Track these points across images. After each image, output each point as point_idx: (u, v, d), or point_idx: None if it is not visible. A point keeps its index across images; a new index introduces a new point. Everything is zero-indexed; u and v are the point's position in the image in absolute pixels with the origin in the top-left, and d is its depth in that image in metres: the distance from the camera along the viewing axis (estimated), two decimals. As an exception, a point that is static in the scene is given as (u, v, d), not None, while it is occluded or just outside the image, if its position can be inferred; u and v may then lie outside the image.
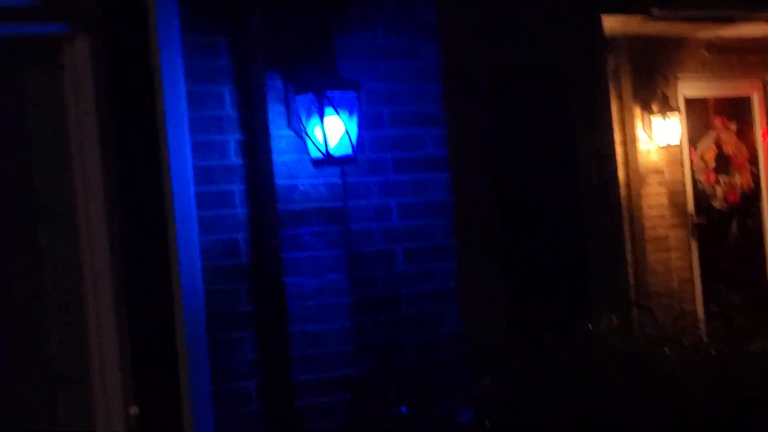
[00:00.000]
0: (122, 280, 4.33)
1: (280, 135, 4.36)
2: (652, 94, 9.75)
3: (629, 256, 9.51)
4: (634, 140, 9.63)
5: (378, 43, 4.77)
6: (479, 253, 7.79)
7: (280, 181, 4.32)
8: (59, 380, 4.42)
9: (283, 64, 4.42)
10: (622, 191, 9.57)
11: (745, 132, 10.50)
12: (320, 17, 4.56)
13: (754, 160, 10.50)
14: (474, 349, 5.97)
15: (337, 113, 4.25)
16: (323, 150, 4.23)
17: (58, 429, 4.43)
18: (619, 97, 9.63)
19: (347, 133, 4.28)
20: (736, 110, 10.52)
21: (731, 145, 10.35)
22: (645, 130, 9.67)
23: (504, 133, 8.28)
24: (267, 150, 4.36)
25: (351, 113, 4.31)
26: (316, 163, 4.29)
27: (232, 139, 4.39)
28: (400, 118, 4.79)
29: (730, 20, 9.79)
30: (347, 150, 4.27)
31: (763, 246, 10.54)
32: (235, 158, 4.39)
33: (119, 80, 4.35)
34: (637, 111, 9.67)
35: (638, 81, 9.72)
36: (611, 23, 9.05)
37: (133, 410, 4.28)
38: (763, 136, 10.54)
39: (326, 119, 4.24)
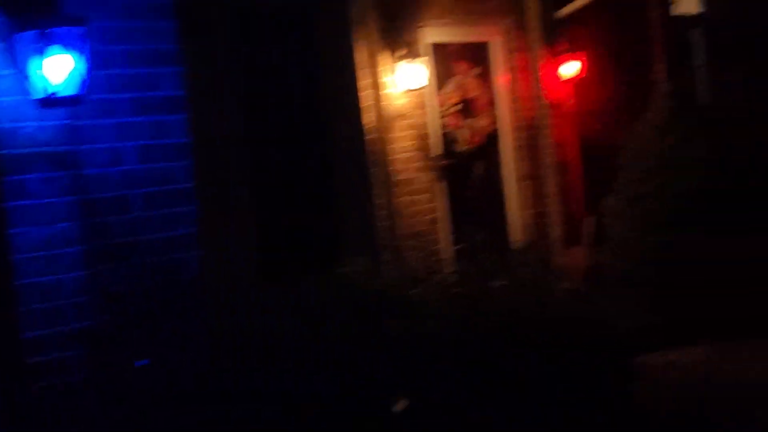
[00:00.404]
0: None
1: (1, 75, 4.00)
2: (399, 39, 9.64)
3: (380, 200, 9.46)
4: (381, 85, 9.52)
5: None
6: (228, 197, 7.57)
7: (1, 124, 3.96)
8: None
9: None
10: (371, 135, 9.48)
11: (486, 76, 10.61)
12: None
13: (495, 104, 10.64)
14: (219, 295, 5.79)
15: (65, 51, 3.93)
16: (48, 90, 3.91)
17: None
18: (367, 42, 9.47)
19: (75, 71, 3.96)
20: (478, 55, 10.60)
21: (474, 89, 10.45)
22: (392, 75, 9.58)
23: (250, 75, 8.02)
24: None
25: (79, 51, 4.01)
26: (42, 103, 3.98)
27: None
28: (136, 56, 4.55)
29: None
30: (75, 90, 3.97)
31: (504, 185, 10.75)
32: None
33: None
34: (384, 56, 9.53)
35: (385, 26, 9.56)
36: None
37: None
38: (503, 79, 10.66)
39: (51, 58, 3.91)
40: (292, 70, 8.28)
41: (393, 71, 9.60)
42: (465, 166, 10.46)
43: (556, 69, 10.79)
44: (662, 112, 10.14)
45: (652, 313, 9.63)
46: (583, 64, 10.87)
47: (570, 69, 10.78)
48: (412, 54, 9.58)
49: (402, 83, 9.61)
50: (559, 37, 10.89)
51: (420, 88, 9.72)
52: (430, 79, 9.91)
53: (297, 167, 8.29)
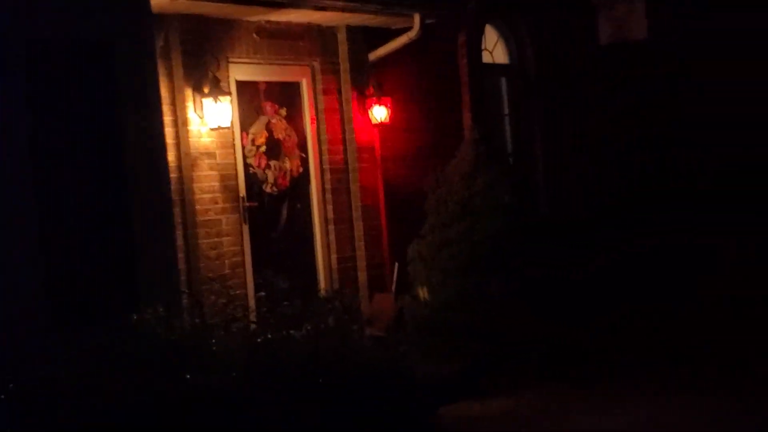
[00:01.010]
0: None
1: None
2: (204, 76, 9.34)
3: (181, 242, 9.06)
4: (185, 122, 9.20)
5: None
6: (14, 241, 7.03)
7: None
8: None
9: None
10: (174, 174, 9.08)
11: (295, 117, 10.38)
12: None
13: (303, 146, 10.37)
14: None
15: None
16: None
17: None
18: (171, 77, 9.13)
19: None
20: (287, 95, 10.39)
21: (282, 130, 10.23)
22: (196, 112, 9.30)
23: (46, 114, 7.49)
24: None
25: None
26: None
27: None
28: None
29: (279, 5, 9.49)
30: None
31: (311, 228, 10.50)
32: None
33: None
34: (189, 92, 9.25)
35: (190, 61, 9.29)
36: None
37: None
38: (311, 121, 10.43)
39: None
40: (90, 107, 7.76)
41: (197, 108, 9.32)
42: (272, 209, 10.20)
43: (366, 112, 10.63)
44: (469, 158, 10.15)
45: (455, 360, 9.55)
46: (391, 109, 10.75)
47: (379, 113, 10.66)
48: (218, 91, 9.23)
49: (206, 121, 9.32)
50: (370, 80, 10.76)
51: (224, 127, 9.36)
52: (235, 118, 9.63)
53: (93, 208, 7.79)
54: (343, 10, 9.93)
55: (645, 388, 9.11)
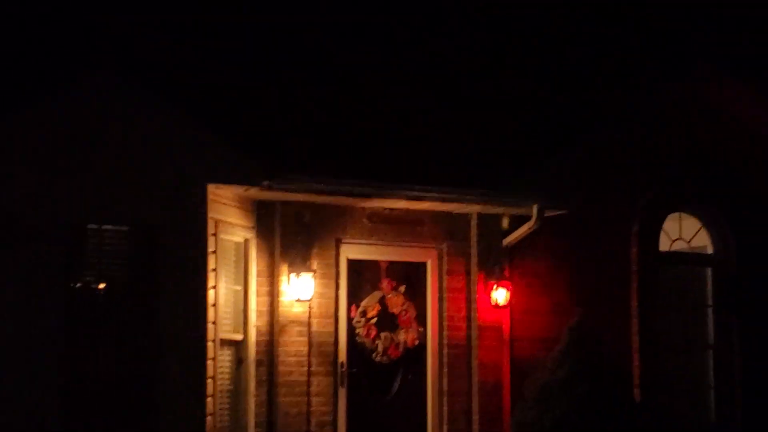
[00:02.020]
0: None
1: None
2: (303, 255, 10.24)
3: (263, 398, 10.04)
4: (278, 294, 10.16)
5: None
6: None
7: None
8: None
9: None
10: (263, 338, 10.11)
11: (416, 294, 10.93)
12: None
13: (422, 321, 10.82)
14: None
15: None
16: None
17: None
18: (270, 254, 10.28)
19: None
20: (408, 273, 10.99)
21: (398, 305, 10.81)
22: (290, 286, 10.17)
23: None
24: None
25: None
26: None
27: None
28: None
29: (370, 195, 10.24)
30: None
31: (425, 401, 10.83)
32: None
33: None
34: (284, 267, 10.22)
35: (288, 241, 10.29)
36: (227, 191, 9.69)
37: None
38: (433, 299, 10.87)
39: None
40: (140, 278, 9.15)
41: (291, 282, 10.16)
42: (379, 377, 10.74)
43: (491, 294, 10.84)
44: (562, 348, 10.08)
45: None
46: (516, 292, 10.90)
47: (504, 295, 10.81)
48: (318, 267, 10.13)
49: (299, 294, 10.13)
50: (502, 264, 10.97)
51: (318, 300, 10.24)
52: (342, 291, 10.46)
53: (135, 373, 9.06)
54: (440, 200, 10.47)
55: None
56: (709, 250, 12.29)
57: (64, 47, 9.86)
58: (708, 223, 12.24)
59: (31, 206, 8.83)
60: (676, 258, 12.13)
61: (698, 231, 12.29)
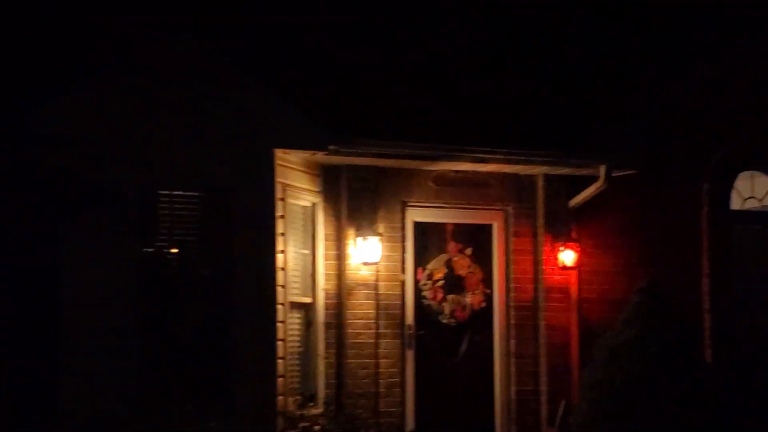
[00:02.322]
0: None
1: None
2: (369, 218, 10.26)
3: (333, 360, 10.09)
4: (345, 257, 10.20)
5: None
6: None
7: None
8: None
9: None
10: (331, 301, 10.17)
11: (482, 256, 10.88)
12: None
13: (488, 283, 10.77)
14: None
15: None
16: None
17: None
18: (337, 218, 10.32)
19: None
20: (474, 236, 10.95)
21: (464, 267, 10.78)
22: (357, 249, 10.20)
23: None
24: None
25: None
26: None
27: None
28: None
29: (435, 158, 10.23)
30: None
31: (492, 362, 10.82)
32: None
33: None
34: (351, 231, 10.25)
35: (356, 205, 10.32)
36: (294, 156, 9.74)
37: None
38: (499, 261, 10.80)
39: None
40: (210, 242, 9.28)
41: (357, 246, 10.19)
42: (446, 339, 10.74)
43: (558, 255, 10.78)
44: (633, 308, 9.94)
45: None
46: (583, 253, 10.82)
47: (572, 256, 10.75)
48: (384, 230, 10.17)
49: (363, 260, 10.16)
50: (570, 225, 10.91)
51: (385, 263, 10.28)
52: (409, 254, 10.47)
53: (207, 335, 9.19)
54: (506, 161, 10.42)
55: None
56: None
57: (142, 9, 9.80)
58: None
59: (104, 171, 8.85)
60: (748, 217, 11.95)
61: None
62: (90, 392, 8.59)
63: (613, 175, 10.54)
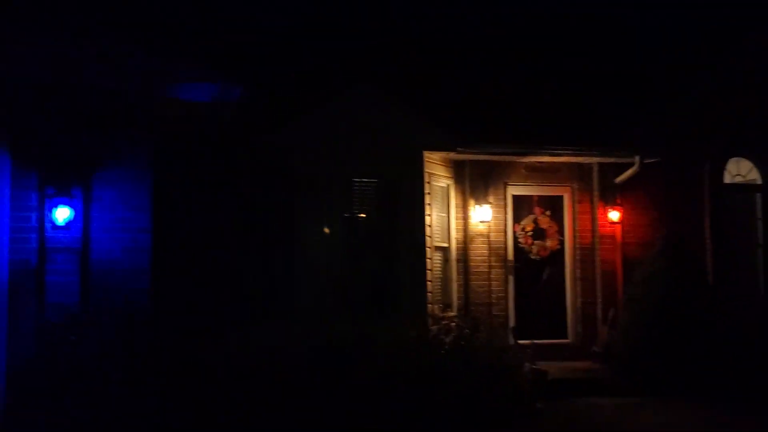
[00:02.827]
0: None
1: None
2: (481, 191, 10.38)
3: (460, 282, 10.22)
4: (468, 218, 10.33)
5: (122, 179, 6.28)
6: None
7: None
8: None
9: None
10: (460, 245, 10.30)
11: (556, 215, 10.83)
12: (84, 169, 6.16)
13: (561, 233, 10.77)
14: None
15: (65, 204, 5.89)
16: (54, 222, 5.89)
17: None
18: (463, 194, 10.37)
19: (73, 216, 5.92)
20: (551, 203, 10.85)
21: (546, 222, 10.75)
22: (475, 212, 10.32)
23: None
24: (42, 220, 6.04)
25: (75, 207, 5.93)
26: (53, 227, 5.94)
27: (33, 216, 6.07)
28: (128, 209, 6.28)
29: (526, 154, 10.24)
30: (67, 222, 5.89)
31: (564, 284, 10.80)
32: (34, 223, 6.07)
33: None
34: (472, 201, 10.37)
35: (474, 185, 10.40)
36: (438, 157, 9.86)
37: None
38: (568, 219, 10.76)
39: (58, 209, 5.88)
40: (385, 214, 9.47)
41: (472, 211, 10.32)
42: (533, 270, 10.74)
43: (607, 215, 10.67)
44: (655, 249, 9.84)
45: (622, 374, 9.39)
46: (624, 213, 10.69)
47: (617, 215, 10.64)
48: (485, 201, 10.30)
49: (479, 220, 10.30)
50: (615, 195, 10.77)
51: (491, 224, 10.34)
52: (509, 216, 10.54)
53: (383, 266, 9.39)
54: (572, 155, 10.36)
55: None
56: (759, 182, 11.55)
57: (334, 68, 10.11)
58: (757, 164, 11.37)
59: (320, 168, 9.08)
60: (735, 187, 11.35)
61: (750, 170, 11.43)
62: (313, 298, 8.80)
63: (645, 162, 10.37)
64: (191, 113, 6.98)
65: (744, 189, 11.49)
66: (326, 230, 9.03)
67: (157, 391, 5.97)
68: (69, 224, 5.94)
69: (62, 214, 5.88)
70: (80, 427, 5.77)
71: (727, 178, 11.28)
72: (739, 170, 11.43)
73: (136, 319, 6.16)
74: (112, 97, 6.34)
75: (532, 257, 10.65)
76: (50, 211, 5.95)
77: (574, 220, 10.76)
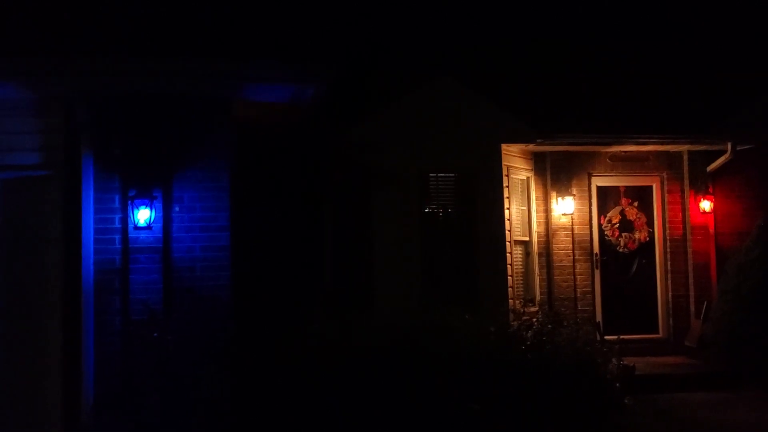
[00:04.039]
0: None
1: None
2: (563, 183, 10.13)
3: (544, 276, 10.02)
4: (551, 210, 10.12)
5: (200, 179, 6.40)
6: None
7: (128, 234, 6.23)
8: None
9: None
10: (542, 239, 10.10)
11: (645, 206, 10.49)
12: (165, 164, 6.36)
13: (651, 224, 10.41)
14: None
15: (145, 206, 6.09)
16: (136, 223, 6.10)
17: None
18: (544, 186, 10.17)
19: (154, 218, 6.11)
20: (639, 193, 10.53)
21: (633, 214, 10.45)
22: (558, 205, 10.11)
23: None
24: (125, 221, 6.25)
25: (156, 208, 6.12)
26: (135, 228, 6.14)
27: (116, 217, 6.29)
28: (207, 208, 6.42)
29: (610, 144, 9.93)
30: (148, 222, 6.09)
31: (654, 277, 10.42)
32: (117, 224, 6.30)
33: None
34: (554, 194, 10.15)
35: (556, 177, 10.19)
36: (516, 149, 9.69)
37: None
38: (658, 209, 10.37)
39: (139, 210, 6.09)
40: (464, 207, 9.32)
41: (554, 203, 10.11)
42: (621, 263, 10.43)
43: (699, 204, 10.25)
44: (752, 237, 9.44)
45: (714, 368, 9.00)
46: (717, 202, 10.28)
47: (709, 205, 10.21)
48: (576, 192, 10.06)
49: (562, 212, 10.09)
50: (707, 184, 10.33)
51: (575, 217, 10.07)
52: (594, 207, 10.26)
53: (459, 260, 9.24)
54: (659, 143, 9.97)
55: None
56: None
57: (410, 63, 10.04)
58: None
59: (397, 162, 8.99)
60: None
61: None
62: (392, 295, 8.69)
63: (738, 149, 9.89)
64: (266, 113, 7.10)
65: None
66: (404, 225, 8.98)
67: (241, 383, 6.10)
68: (150, 225, 6.11)
69: (143, 215, 6.06)
70: (164, 420, 5.94)
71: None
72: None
73: (217, 314, 6.30)
74: (189, 101, 6.50)
75: (620, 250, 10.34)
76: (132, 212, 6.13)
77: (663, 210, 10.40)
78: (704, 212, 10.22)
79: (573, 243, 10.11)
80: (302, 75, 6.62)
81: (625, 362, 8.37)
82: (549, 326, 7.92)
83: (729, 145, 9.87)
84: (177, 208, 6.29)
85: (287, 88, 6.74)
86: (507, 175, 9.48)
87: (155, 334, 6.00)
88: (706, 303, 9.90)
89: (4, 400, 6.15)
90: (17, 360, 6.20)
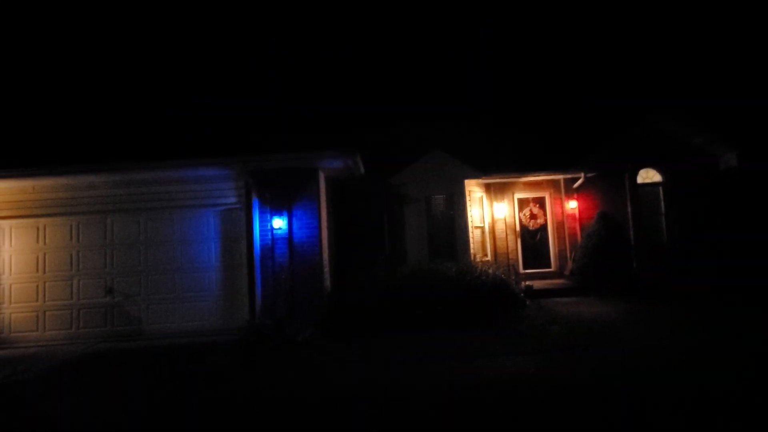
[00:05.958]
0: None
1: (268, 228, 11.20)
2: (500, 197, 15.15)
3: (490, 244, 14.91)
4: (493, 211, 15.13)
5: (304, 205, 11.25)
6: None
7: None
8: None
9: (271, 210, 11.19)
10: (489, 225, 15.17)
11: (542, 206, 15.40)
12: (288, 200, 11.26)
13: (544, 216, 15.33)
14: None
15: (279, 218, 10.87)
16: (275, 227, 11.03)
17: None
18: (490, 198, 15.27)
19: (284, 224, 11.00)
20: (539, 200, 15.41)
21: (537, 210, 15.39)
22: (496, 209, 15.10)
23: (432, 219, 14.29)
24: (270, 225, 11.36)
25: (284, 219, 11.00)
26: (275, 229, 11.13)
27: (268, 224, 11.42)
28: (307, 218, 11.15)
29: (521, 176, 14.86)
30: (283, 230, 10.91)
31: (548, 241, 15.28)
32: (269, 227, 11.48)
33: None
34: (495, 202, 15.19)
35: (495, 194, 15.22)
36: (474, 182, 14.64)
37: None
38: (549, 208, 15.29)
39: (275, 220, 10.91)
40: (449, 216, 14.25)
41: (495, 208, 15.09)
42: (530, 236, 15.39)
43: (569, 205, 15.16)
44: (595, 226, 14.21)
45: (576, 284, 13.86)
46: (580, 205, 15.19)
47: (575, 205, 15.17)
48: (506, 201, 14.99)
49: (498, 212, 15.06)
50: (573, 195, 15.23)
51: (507, 213, 15.05)
52: (516, 208, 15.28)
53: (449, 238, 14.17)
54: (547, 174, 14.91)
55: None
56: (660, 181, 15.17)
57: (419, 139, 14.95)
58: (659, 171, 15.10)
59: (416, 192, 13.59)
60: (645, 186, 14.75)
61: (654, 174, 14.80)
62: (415, 257, 13.27)
63: (587, 175, 14.75)
64: (333, 173, 12.08)
65: (650, 186, 15.27)
66: (419, 222, 14.12)
67: (330, 302, 10.18)
68: (281, 227, 10.99)
69: (278, 223, 10.86)
70: (289, 317, 9.83)
71: (639, 180, 15.23)
72: (647, 175, 15.39)
73: (315, 270, 10.67)
74: (298, 170, 11.08)
75: (530, 228, 15.30)
76: (273, 222, 10.87)
77: (552, 208, 15.30)
78: (573, 208, 15.23)
79: (505, 226, 15.16)
80: (342, 156, 11.34)
81: (529, 283, 13.41)
82: (487, 268, 13.02)
83: (582, 174, 14.80)
84: (294, 219, 11.45)
85: (337, 161, 11.30)
86: (469, 195, 13.95)
87: (283, 277, 10.29)
88: (573, 253, 14.73)
89: (227, 305, 10.97)
90: (230, 288, 10.32)
